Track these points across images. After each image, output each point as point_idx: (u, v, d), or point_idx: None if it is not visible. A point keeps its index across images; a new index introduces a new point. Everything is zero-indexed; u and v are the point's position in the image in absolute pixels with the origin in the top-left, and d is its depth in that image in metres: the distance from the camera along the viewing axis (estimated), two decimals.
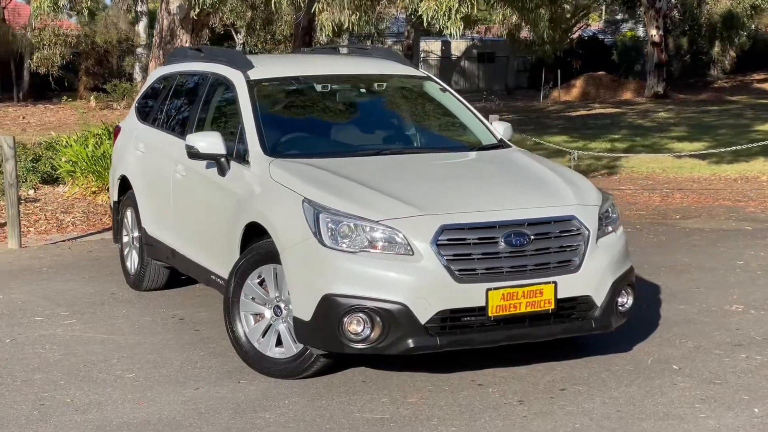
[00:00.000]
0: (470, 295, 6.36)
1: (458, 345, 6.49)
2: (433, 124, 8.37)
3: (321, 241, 6.43)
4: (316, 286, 6.43)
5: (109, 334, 8.03)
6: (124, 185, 9.56)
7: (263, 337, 6.94)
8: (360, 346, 6.40)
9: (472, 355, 7.10)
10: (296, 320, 6.59)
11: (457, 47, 54.26)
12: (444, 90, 8.44)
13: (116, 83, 34.60)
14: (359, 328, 6.37)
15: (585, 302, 6.71)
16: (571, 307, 6.69)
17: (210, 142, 7.46)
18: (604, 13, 59.74)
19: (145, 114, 9.51)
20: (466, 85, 53.20)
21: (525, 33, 25.47)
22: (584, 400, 6.46)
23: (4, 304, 9.09)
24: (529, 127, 28.53)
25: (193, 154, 7.51)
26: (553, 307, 6.54)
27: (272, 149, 7.36)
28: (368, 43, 26.87)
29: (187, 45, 19.06)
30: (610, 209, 7.08)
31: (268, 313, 6.93)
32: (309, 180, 6.84)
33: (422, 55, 52.90)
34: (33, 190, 15.10)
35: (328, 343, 6.47)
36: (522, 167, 7.50)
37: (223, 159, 7.51)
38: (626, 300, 7.02)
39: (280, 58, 9.29)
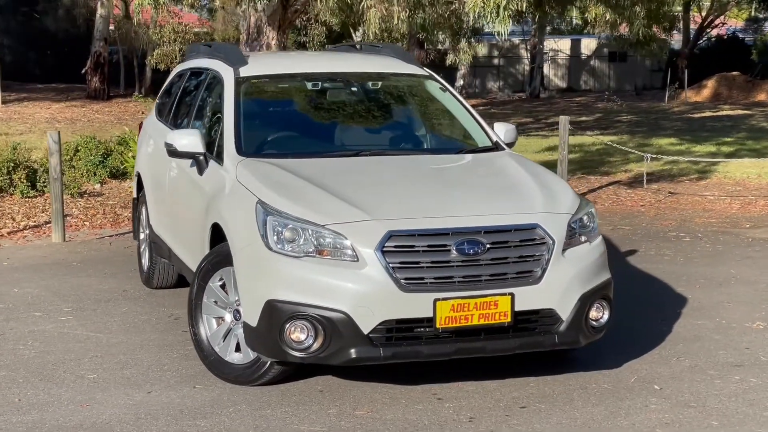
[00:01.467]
0: (416, 305, 6.06)
1: (404, 357, 6.19)
2: (426, 125, 8.05)
3: (267, 245, 6.22)
4: (260, 291, 6.22)
5: (96, 333, 7.96)
6: (141, 182, 9.52)
7: (224, 341, 6.76)
8: (301, 354, 6.17)
9: (452, 365, 6.80)
10: (245, 325, 6.40)
11: (588, 46, 53.28)
12: (444, 90, 8.12)
13: None
14: (302, 336, 6.14)
15: (548, 316, 6.34)
16: (531, 321, 6.33)
17: (188, 140, 7.32)
18: (753, 10, 57.76)
19: (159, 110, 9.45)
20: (596, 85, 52.23)
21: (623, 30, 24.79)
22: (539, 420, 6.11)
23: (15, 297, 9.12)
24: (642, 129, 27.79)
25: (172, 151, 7.39)
26: (509, 320, 6.20)
27: (247, 148, 7.18)
28: (462, 42, 26.35)
29: (273, 42, 19.07)
30: (586, 218, 6.68)
31: (228, 317, 6.74)
32: (268, 181, 6.64)
33: (550, 53, 52.14)
34: (100, 185, 15.25)
35: (271, 351, 6.26)
36: (501, 172, 7.16)
37: (201, 157, 7.37)
38: (601, 315, 6.62)
39: (280, 55, 9.10)
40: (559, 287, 6.31)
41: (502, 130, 7.85)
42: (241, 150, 7.14)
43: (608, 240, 11.81)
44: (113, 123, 26.49)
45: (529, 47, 49.14)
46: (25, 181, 13.66)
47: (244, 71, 7.80)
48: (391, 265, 6.05)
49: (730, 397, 6.52)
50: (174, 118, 8.79)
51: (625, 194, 15.85)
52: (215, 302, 6.78)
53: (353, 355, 6.09)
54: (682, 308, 8.73)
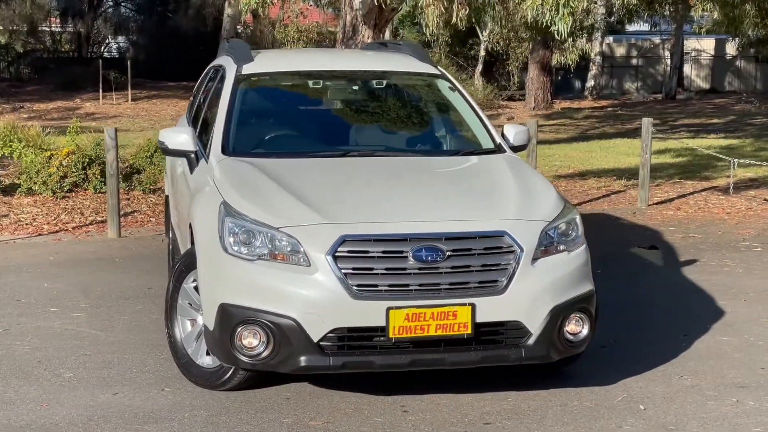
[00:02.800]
0: (368, 313, 5.80)
1: (355, 367, 5.94)
2: (426, 125, 7.78)
3: (223, 247, 6.05)
4: (215, 294, 6.07)
5: (99, 330, 7.92)
6: None
7: (196, 343, 6.62)
8: (252, 361, 5.98)
9: (435, 375, 6.55)
10: (205, 328, 6.25)
11: (734, 46, 51.58)
12: (453, 89, 7.81)
13: None
14: (254, 342, 5.95)
15: (515, 328, 6.01)
16: (495, 333, 6.00)
17: (179, 138, 7.21)
18: None
19: (188, 108, 9.40)
20: (741, 86, 50.55)
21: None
22: None
23: (40, 292, 9.17)
24: None
25: (164, 149, 7.29)
26: (469, 331, 5.88)
27: (235, 147, 7.06)
28: (568, 42, 25.72)
29: (369, 40, 18.91)
30: (566, 226, 6.30)
31: (200, 319, 6.59)
32: (237, 182, 6.49)
33: (692, 53, 50.72)
34: None
35: (225, 356, 6.09)
36: (485, 176, 6.83)
37: (192, 155, 7.25)
38: (580, 329, 6.25)
39: (292, 53, 8.91)
40: (526, 299, 5.97)
41: (512, 132, 7.52)
42: (227, 149, 7.00)
43: (671, 248, 11.32)
44: None
45: (668, 47, 47.82)
46: (99, 176, 13.81)
47: (247, 68, 7.67)
48: (343, 270, 5.81)
49: (715, 420, 6.08)
50: (191, 116, 8.72)
51: (715, 200, 15.16)
52: (189, 304, 6.64)
53: (302, 363, 5.87)
54: (713, 323, 8.23)
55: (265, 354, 5.92)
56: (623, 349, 7.48)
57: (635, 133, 23.74)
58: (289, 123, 7.65)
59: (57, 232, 12.12)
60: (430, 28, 14.62)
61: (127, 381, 6.74)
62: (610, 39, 49.22)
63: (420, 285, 5.85)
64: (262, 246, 5.96)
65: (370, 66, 8.01)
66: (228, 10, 35.48)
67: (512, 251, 5.98)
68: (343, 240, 5.84)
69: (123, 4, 42.98)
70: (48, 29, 40.28)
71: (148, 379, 6.78)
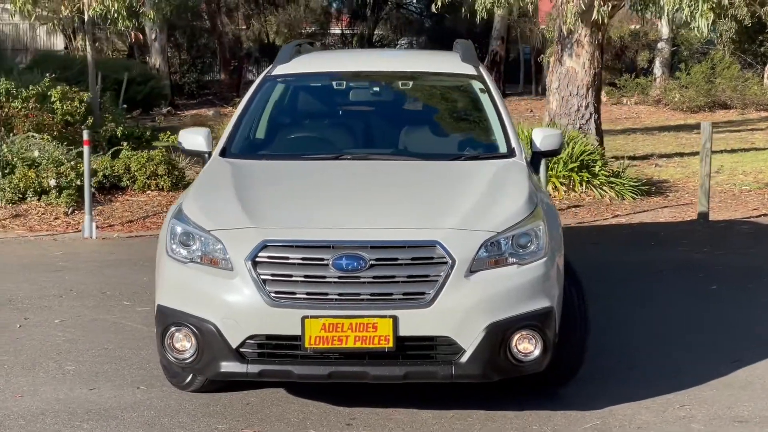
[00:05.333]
0: (284, 321, 5.62)
1: (273, 376, 5.77)
2: (441, 128, 7.42)
3: (165, 248, 6.05)
4: (156, 295, 6.08)
5: (138, 324, 8.08)
6: None
7: None
8: (181, 364, 5.94)
9: (406, 389, 6.30)
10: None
11: None
12: (484, 91, 7.42)
13: (627, 78, 33.93)
14: (185, 345, 5.90)
15: (447, 344, 5.65)
16: (423, 348, 5.67)
17: (196, 139, 7.26)
18: None
19: None
20: None
21: None
22: None
23: (67, 284, 9.50)
24: None
25: (182, 149, 7.37)
26: (391, 345, 5.58)
27: (234, 148, 7.07)
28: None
29: (586, 40, 18.30)
30: (524, 238, 5.85)
31: None
32: (202, 184, 6.54)
33: None
34: None
35: (162, 357, 6.08)
36: (461, 182, 6.43)
37: (207, 155, 7.28)
38: (531, 348, 5.78)
39: (334, 54, 8.69)
40: (456, 313, 5.59)
41: (539, 136, 7.09)
42: (228, 150, 7.03)
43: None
44: None
45: None
46: None
47: (278, 70, 7.66)
48: (262, 276, 5.65)
49: None
50: None
51: None
52: None
53: (221, 369, 5.77)
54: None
55: (190, 358, 5.86)
56: (640, 372, 6.95)
57: None
58: (298, 124, 7.56)
59: None
60: (569, 23, 13.86)
61: (114, 377, 6.85)
62: None
63: (340, 294, 5.61)
64: (197, 249, 5.91)
65: (402, 67, 7.79)
66: (498, 11, 35.45)
67: (444, 263, 5.63)
68: (265, 245, 5.69)
69: (404, 6, 43.73)
70: (326, 32, 41.53)
71: (134, 376, 6.86)
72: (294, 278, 5.65)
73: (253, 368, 5.72)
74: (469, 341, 5.63)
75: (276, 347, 5.71)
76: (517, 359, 5.77)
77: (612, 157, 18.45)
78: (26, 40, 33.65)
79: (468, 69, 7.61)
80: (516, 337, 5.73)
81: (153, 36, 32.18)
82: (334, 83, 7.62)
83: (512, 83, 38.63)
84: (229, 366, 5.74)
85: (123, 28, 19.87)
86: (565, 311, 6.15)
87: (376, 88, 7.69)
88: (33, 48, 31.47)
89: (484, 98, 7.40)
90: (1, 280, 9.74)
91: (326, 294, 5.62)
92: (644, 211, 13.84)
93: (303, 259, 5.65)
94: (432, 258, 5.64)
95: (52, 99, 16.08)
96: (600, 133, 18.20)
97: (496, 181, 6.37)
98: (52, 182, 13.52)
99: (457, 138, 7.32)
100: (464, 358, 5.65)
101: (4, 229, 12.54)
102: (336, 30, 44.18)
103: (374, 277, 5.61)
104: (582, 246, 11.44)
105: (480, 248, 5.70)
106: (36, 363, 7.16)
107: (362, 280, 5.61)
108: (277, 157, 7.00)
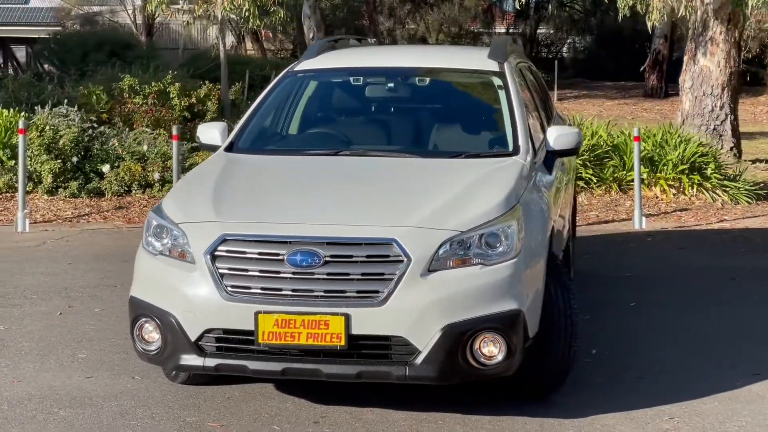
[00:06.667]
0: (238, 316, 5.58)
1: (228, 370, 5.73)
2: (450, 125, 7.21)
3: (143, 241, 6.11)
4: (132, 286, 6.12)
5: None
6: None
7: None
8: (147, 355, 5.97)
9: (387, 389, 6.17)
10: None
11: None
12: (501, 88, 7.19)
13: None
14: (153, 336, 5.92)
15: (401, 344, 5.50)
16: (378, 347, 5.54)
17: (211, 133, 7.27)
18: None
19: None
20: None
21: None
22: None
23: (129, 275, 9.55)
24: None
25: (199, 143, 7.41)
26: (342, 343, 5.48)
27: (241, 143, 7.07)
28: None
29: (721, 37, 17.65)
30: (492, 238, 5.64)
31: None
32: (191, 179, 6.62)
33: None
34: None
35: (135, 348, 6.12)
36: (440, 180, 6.25)
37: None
38: (496, 351, 5.57)
39: (360, 50, 8.48)
40: (410, 313, 5.44)
41: (553, 135, 6.85)
42: (235, 144, 7.04)
43: None
44: (651, 120, 25.63)
45: None
46: None
47: (302, 65, 7.62)
48: (219, 270, 5.63)
49: None
50: None
51: None
52: None
53: (181, 362, 5.78)
54: None
55: (156, 350, 5.88)
56: (648, 382, 6.64)
57: None
58: (306, 120, 7.47)
59: None
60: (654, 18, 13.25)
61: (118, 367, 6.94)
62: None
63: (293, 290, 5.54)
64: (167, 242, 5.93)
65: (423, 63, 7.63)
66: (643, 11, 34.49)
67: (400, 261, 5.48)
68: (224, 239, 5.67)
69: (569, 5, 42.98)
70: (490, 31, 41.20)
71: (137, 366, 6.89)
72: (250, 273, 5.61)
73: (210, 362, 5.70)
74: (424, 342, 5.48)
75: (232, 342, 5.68)
76: (479, 362, 5.58)
77: (750, 161, 17.74)
78: (198, 39, 34.66)
79: (491, 65, 7.38)
80: (479, 339, 5.54)
81: (311, 35, 32.65)
82: (351, 79, 7.53)
83: (676, 83, 37.62)
84: (188, 359, 5.75)
85: (254, 27, 20.16)
86: (548, 315, 5.92)
87: (392, 85, 7.57)
88: (204, 47, 32.31)
89: (501, 95, 7.17)
90: (71, 269, 10.00)
91: (280, 290, 5.56)
92: (755, 217, 13.23)
93: (259, 254, 5.61)
94: (388, 256, 5.51)
95: (171, 95, 16.45)
96: (737, 134, 17.53)
97: (481, 180, 6.17)
98: (156, 175, 13.86)
99: (465, 136, 7.12)
100: (419, 359, 5.50)
101: (105, 221, 12.89)
102: (501, 29, 43.85)
103: (328, 274, 5.52)
104: (664, 251, 11.04)
105: (440, 247, 5.54)
106: (52, 350, 7.32)
107: (316, 276, 5.53)
108: (276, 153, 6.99)
